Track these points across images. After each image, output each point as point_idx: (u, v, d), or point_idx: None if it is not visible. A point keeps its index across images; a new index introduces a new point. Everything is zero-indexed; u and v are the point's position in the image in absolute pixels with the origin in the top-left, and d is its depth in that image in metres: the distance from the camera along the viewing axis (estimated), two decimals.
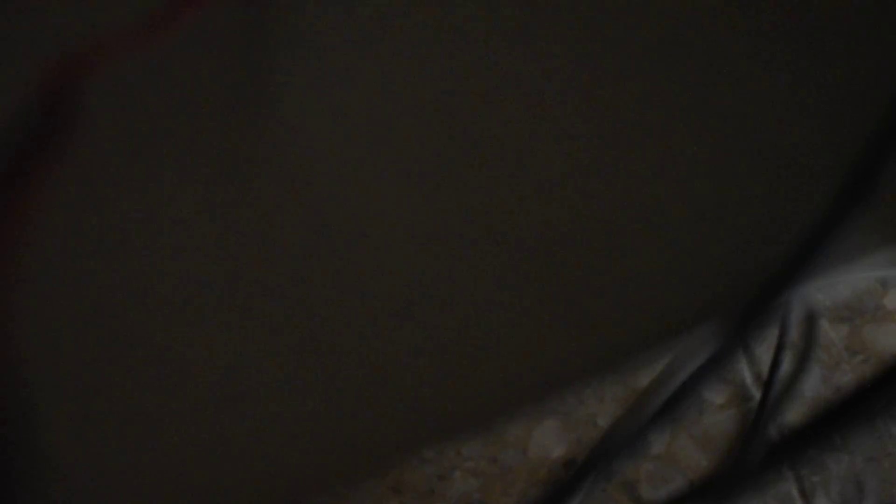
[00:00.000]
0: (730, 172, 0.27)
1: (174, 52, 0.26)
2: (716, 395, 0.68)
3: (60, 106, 0.25)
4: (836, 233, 0.21)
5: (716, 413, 0.68)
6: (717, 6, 0.28)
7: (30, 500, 0.24)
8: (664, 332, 0.26)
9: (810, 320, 0.63)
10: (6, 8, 0.26)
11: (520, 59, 0.27)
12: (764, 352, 0.66)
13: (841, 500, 0.65)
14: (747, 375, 0.68)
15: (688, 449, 0.67)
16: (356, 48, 0.27)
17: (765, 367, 0.65)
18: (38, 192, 0.25)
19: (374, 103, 0.27)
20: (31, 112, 0.25)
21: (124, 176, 0.26)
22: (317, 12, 0.27)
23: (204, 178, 0.26)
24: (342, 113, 0.27)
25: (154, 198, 0.26)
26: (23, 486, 0.24)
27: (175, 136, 0.26)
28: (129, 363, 0.25)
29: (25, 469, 0.24)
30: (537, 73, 0.27)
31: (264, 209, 0.26)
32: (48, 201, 0.25)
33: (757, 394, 0.67)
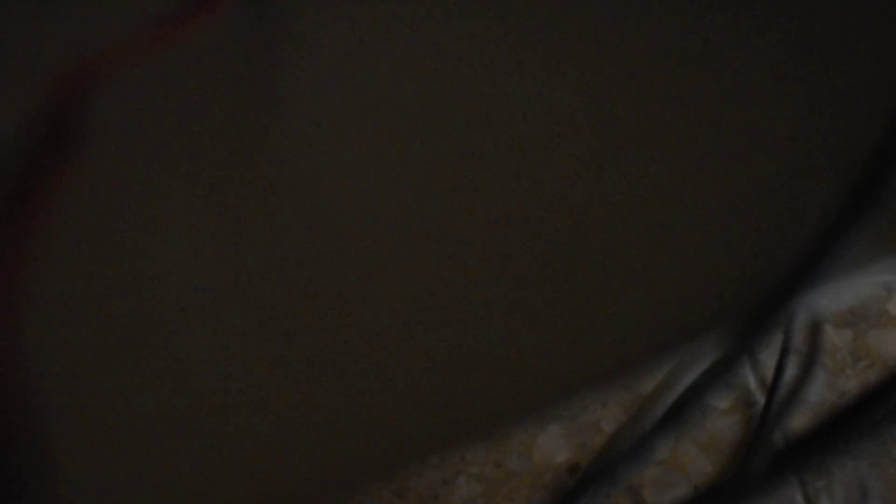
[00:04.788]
0: (734, 179, 0.27)
1: (181, 60, 0.26)
2: (720, 401, 0.68)
3: (69, 115, 0.25)
4: (841, 239, 0.21)
5: (720, 418, 0.67)
6: (724, 14, 0.28)
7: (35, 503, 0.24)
8: (669, 337, 0.26)
9: (814, 326, 0.63)
10: (14, 17, 0.27)
11: (526, 66, 0.27)
12: (768, 357, 0.66)
13: None
14: (752, 380, 0.68)
15: (692, 454, 0.67)
16: (361, 55, 0.27)
17: (769, 373, 0.65)
18: (47, 201, 0.25)
19: (379, 111, 0.27)
20: (39, 121, 0.25)
21: (131, 184, 0.26)
22: (322, 21, 0.27)
23: (210, 185, 0.26)
24: (347, 120, 0.27)
25: (161, 206, 0.26)
26: (29, 492, 0.24)
27: (181, 145, 0.26)
28: (134, 369, 0.25)
29: (31, 474, 0.24)
30: (542, 79, 0.27)
31: (270, 216, 0.26)
32: (57, 210, 0.25)
33: (761, 399, 0.67)
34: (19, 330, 0.24)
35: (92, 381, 0.25)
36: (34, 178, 0.25)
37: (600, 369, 0.26)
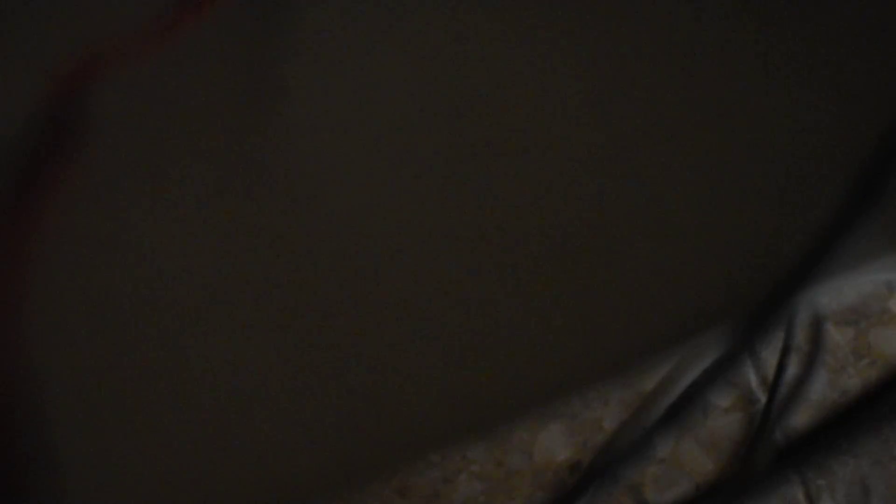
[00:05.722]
0: (737, 177, 0.27)
1: (182, 57, 0.26)
2: (721, 399, 0.68)
3: (70, 111, 0.25)
4: (843, 237, 0.21)
5: (721, 416, 0.67)
6: (728, 14, 0.28)
7: (40, 501, 0.24)
8: (670, 335, 0.26)
9: (816, 324, 0.63)
10: (16, 14, 0.27)
11: (527, 63, 0.27)
12: (769, 355, 0.66)
13: None
14: (753, 379, 0.68)
15: (693, 452, 0.67)
16: (362, 53, 0.27)
17: (770, 371, 0.65)
18: (50, 198, 0.25)
19: (381, 108, 0.27)
20: (41, 117, 0.25)
21: (133, 179, 0.26)
22: (323, 18, 0.27)
23: (212, 181, 0.26)
24: (348, 116, 0.27)
25: (163, 202, 0.26)
26: (33, 488, 0.24)
27: (183, 141, 0.26)
28: (137, 365, 0.25)
29: (35, 470, 0.24)
30: (545, 78, 0.27)
31: (272, 212, 0.26)
32: (60, 206, 0.25)
33: (762, 397, 0.67)
34: (23, 327, 0.24)
35: (96, 378, 0.25)
36: (36, 175, 0.25)
37: (602, 367, 0.26)
